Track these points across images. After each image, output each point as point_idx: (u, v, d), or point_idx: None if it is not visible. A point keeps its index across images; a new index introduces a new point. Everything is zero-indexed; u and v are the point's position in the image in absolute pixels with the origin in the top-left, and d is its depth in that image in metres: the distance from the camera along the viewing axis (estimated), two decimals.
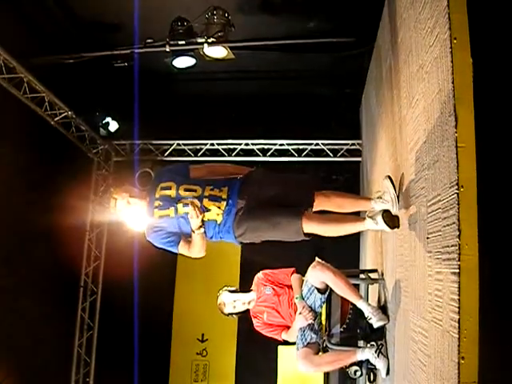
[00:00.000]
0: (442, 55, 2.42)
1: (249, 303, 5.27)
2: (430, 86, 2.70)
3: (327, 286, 4.65)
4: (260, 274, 5.43)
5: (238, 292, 5.34)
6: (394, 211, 3.44)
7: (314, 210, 3.75)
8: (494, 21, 2.53)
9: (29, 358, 6.95)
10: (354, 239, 8.46)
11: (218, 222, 3.75)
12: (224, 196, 3.70)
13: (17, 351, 6.71)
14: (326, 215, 3.68)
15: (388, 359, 4.19)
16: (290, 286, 5.17)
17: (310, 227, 3.51)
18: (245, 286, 5.54)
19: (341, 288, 4.47)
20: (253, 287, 5.38)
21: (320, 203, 3.78)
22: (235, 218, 3.69)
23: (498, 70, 2.48)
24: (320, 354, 4.76)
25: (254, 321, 5.35)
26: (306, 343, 4.78)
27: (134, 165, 8.68)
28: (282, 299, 5.15)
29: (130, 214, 4.09)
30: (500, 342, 2.24)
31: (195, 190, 3.74)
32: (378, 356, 4.25)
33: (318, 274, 4.65)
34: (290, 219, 3.53)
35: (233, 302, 5.23)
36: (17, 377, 6.67)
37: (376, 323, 4.13)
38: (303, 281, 5.06)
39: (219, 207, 3.68)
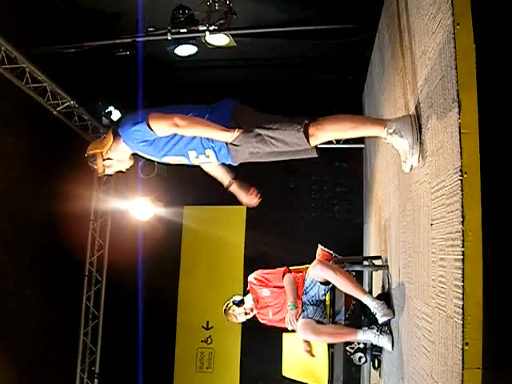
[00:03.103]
0: (445, 41, 2.41)
1: (251, 310, 5.46)
2: (433, 71, 2.69)
3: None
4: (252, 279, 5.49)
5: (242, 302, 5.46)
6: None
7: None
8: (496, 6, 2.51)
9: (34, 348, 6.99)
10: (358, 227, 8.49)
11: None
12: (214, 160, 3.51)
13: (22, 340, 6.75)
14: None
15: (391, 334, 4.20)
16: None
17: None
18: (249, 274, 5.57)
19: (343, 285, 4.49)
20: (249, 290, 5.52)
21: None
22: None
23: (502, 55, 2.47)
24: None
25: (261, 320, 5.55)
26: (309, 316, 4.86)
27: (136, 154, 8.68)
28: (281, 297, 5.24)
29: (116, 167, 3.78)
30: (504, 328, 2.25)
31: (180, 160, 3.57)
32: (381, 333, 4.25)
33: (319, 273, 4.69)
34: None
35: (239, 314, 5.45)
36: (22, 366, 6.72)
37: (381, 318, 4.13)
38: (296, 280, 5.15)
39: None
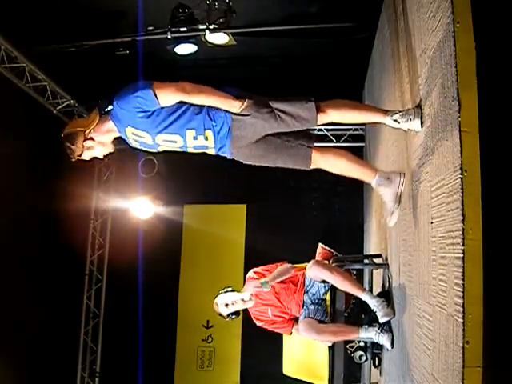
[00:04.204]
0: (445, 39, 2.41)
1: (246, 301, 4.96)
2: (433, 70, 2.69)
3: None
4: (252, 274, 5.21)
5: (233, 291, 4.98)
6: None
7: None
8: (497, 4, 2.51)
9: (35, 347, 7.00)
10: (358, 225, 8.49)
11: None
12: (210, 144, 3.34)
13: (23, 340, 6.76)
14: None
15: (392, 333, 4.20)
16: (286, 281, 5.07)
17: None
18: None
19: (340, 284, 4.49)
20: (246, 287, 5.13)
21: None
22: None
23: (502, 53, 2.47)
24: None
25: (257, 322, 5.20)
26: (311, 316, 4.83)
27: (137, 152, 8.68)
28: (281, 293, 5.07)
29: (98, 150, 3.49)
30: (504, 326, 2.25)
31: (175, 141, 3.34)
32: (382, 332, 4.25)
33: (315, 273, 4.68)
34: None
35: (230, 303, 4.88)
36: (23, 365, 6.72)
37: (381, 319, 4.13)
38: (295, 277, 5.05)
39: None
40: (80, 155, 3.44)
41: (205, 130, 3.25)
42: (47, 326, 7.24)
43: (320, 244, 5.61)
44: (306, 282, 4.91)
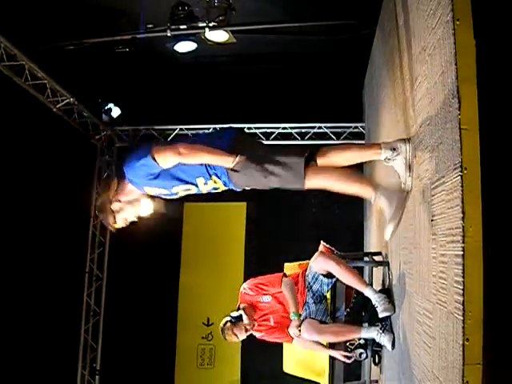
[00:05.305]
0: (445, 37, 2.41)
1: (252, 325, 5.05)
2: (432, 67, 2.69)
3: None
4: (247, 290, 5.17)
5: (241, 318, 4.99)
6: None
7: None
8: (496, 2, 2.51)
9: (35, 345, 7.00)
10: (359, 223, 8.48)
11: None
12: (220, 186, 3.52)
13: (23, 338, 6.75)
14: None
15: (393, 334, 4.19)
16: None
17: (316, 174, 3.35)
18: (249, 269, 5.53)
19: (345, 277, 4.45)
20: (243, 305, 5.12)
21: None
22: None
23: (502, 51, 2.47)
24: None
25: (257, 333, 5.20)
26: (312, 316, 4.80)
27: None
28: (285, 301, 5.01)
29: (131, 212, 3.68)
30: (504, 324, 2.25)
31: (189, 189, 3.55)
32: (383, 332, 4.24)
33: (321, 265, 4.63)
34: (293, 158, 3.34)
35: (240, 332, 4.98)
36: (23, 363, 6.72)
37: (381, 313, 4.12)
38: (294, 280, 5.00)
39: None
40: (115, 222, 3.63)
41: (210, 176, 3.42)
42: (47, 324, 7.24)
43: (322, 242, 5.59)
44: (309, 279, 4.83)
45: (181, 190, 3.56)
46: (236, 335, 4.98)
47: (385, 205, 3.40)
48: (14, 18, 5.96)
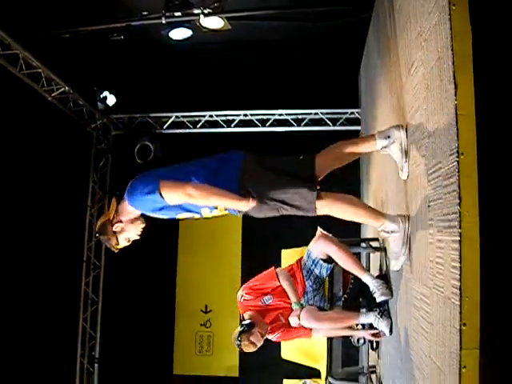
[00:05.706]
0: (441, 22, 2.40)
1: (266, 330, 4.84)
2: (428, 53, 2.68)
3: None
4: (245, 296, 4.95)
5: (253, 325, 4.74)
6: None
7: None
8: None
9: (34, 334, 7.01)
10: None
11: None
12: (225, 212, 3.57)
13: (21, 327, 6.77)
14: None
15: (391, 319, 4.20)
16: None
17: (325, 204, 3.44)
18: (247, 256, 5.50)
19: (344, 262, 4.39)
20: (248, 313, 4.92)
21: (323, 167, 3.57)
22: None
23: (498, 36, 2.46)
24: None
25: (272, 336, 4.97)
26: (310, 303, 4.77)
27: (133, 138, 8.68)
28: (286, 294, 4.83)
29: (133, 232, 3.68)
30: (501, 309, 2.26)
31: (193, 216, 3.59)
32: (381, 317, 4.23)
33: (321, 248, 4.58)
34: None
35: (257, 339, 4.76)
36: (21, 352, 6.74)
37: (379, 298, 4.10)
38: (290, 271, 4.93)
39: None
40: (118, 243, 3.63)
41: (217, 207, 3.47)
42: (46, 314, 7.25)
43: (319, 228, 5.57)
44: (309, 264, 4.76)
45: (184, 216, 3.59)
46: (253, 343, 4.77)
47: (391, 240, 3.48)
48: (8, 7, 5.92)
